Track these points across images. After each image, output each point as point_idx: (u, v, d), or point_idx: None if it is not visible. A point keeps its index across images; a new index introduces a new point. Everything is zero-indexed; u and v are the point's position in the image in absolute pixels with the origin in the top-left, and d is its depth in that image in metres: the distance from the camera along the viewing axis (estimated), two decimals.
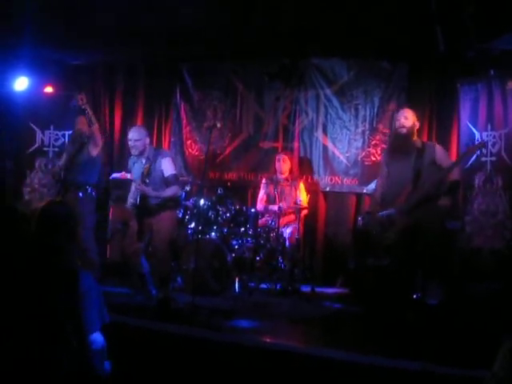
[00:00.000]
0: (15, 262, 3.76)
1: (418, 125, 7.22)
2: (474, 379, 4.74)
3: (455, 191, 7.21)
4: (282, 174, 9.32)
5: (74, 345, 3.70)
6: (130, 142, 7.87)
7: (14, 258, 3.79)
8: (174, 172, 7.89)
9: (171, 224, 7.91)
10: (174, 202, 7.93)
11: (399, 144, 7.22)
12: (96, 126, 8.62)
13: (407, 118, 7.09)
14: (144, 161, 7.84)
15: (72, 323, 3.71)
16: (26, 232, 4.03)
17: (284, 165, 9.34)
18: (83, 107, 8.47)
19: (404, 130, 7.07)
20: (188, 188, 9.42)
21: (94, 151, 8.56)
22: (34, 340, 3.57)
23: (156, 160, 7.75)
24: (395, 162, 7.17)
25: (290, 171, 9.41)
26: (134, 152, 7.85)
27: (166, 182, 7.77)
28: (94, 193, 8.61)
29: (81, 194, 8.41)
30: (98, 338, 3.85)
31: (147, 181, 7.58)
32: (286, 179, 9.26)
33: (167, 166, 7.81)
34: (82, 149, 8.54)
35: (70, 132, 9.70)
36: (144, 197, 7.62)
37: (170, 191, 7.78)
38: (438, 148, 7.16)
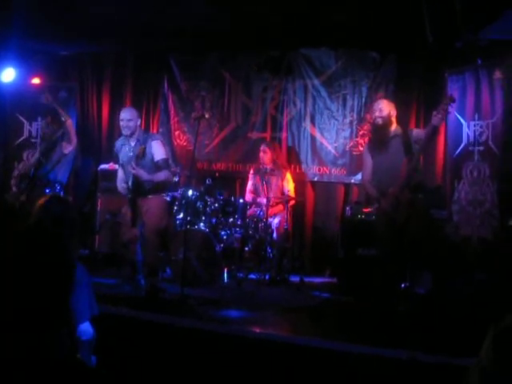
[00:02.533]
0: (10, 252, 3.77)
1: (394, 113, 7.25)
2: (460, 368, 4.77)
3: (419, 190, 7.23)
4: (264, 164, 9.30)
5: (64, 334, 3.73)
6: (121, 122, 7.78)
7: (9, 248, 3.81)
8: (164, 156, 7.79)
9: (160, 213, 7.82)
10: (162, 188, 7.85)
11: (379, 135, 7.28)
12: (69, 122, 8.60)
13: (382, 110, 7.17)
14: (133, 143, 7.77)
15: (65, 313, 3.73)
16: (16, 223, 4.04)
17: (265, 156, 9.31)
18: (51, 106, 8.45)
19: (380, 121, 7.14)
20: (176, 179, 9.41)
21: (67, 148, 8.54)
22: (27, 329, 3.59)
23: (146, 142, 7.65)
24: (379, 153, 7.20)
25: (273, 162, 9.35)
26: (125, 132, 7.77)
27: (157, 166, 7.69)
28: (62, 192, 8.57)
29: (47, 191, 8.37)
30: (87, 328, 3.86)
31: (141, 163, 7.49)
32: (272, 170, 9.24)
33: (157, 150, 7.72)
34: (54, 146, 8.51)
35: None
36: (138, 181, 7.56)
37: (161, 176, 7.70)
38: (415, 131, 7.22)
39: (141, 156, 7.40)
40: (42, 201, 4.04)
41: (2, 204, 9.07)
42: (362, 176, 7.68)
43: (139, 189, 7.59)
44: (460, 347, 5.01)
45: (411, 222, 6.87)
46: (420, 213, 7.05)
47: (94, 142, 11.14)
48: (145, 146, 7.50)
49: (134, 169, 7.40)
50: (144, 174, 7.52)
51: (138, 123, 7.92)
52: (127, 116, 7.79)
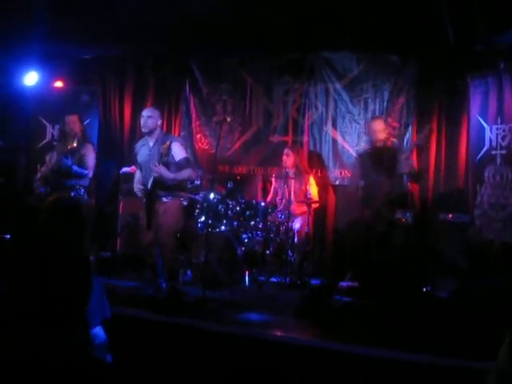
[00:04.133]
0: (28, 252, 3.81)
1: (391, 132, 7.37)
2: (482, 372, 4.75)
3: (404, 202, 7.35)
4: (286, 168, 9.30)
5: (80, 332, 3.76)
6: (142, 120, 7.78)
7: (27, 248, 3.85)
8: (185, 155, 7.77)
9: (176, 216, 7.76)
10: (180, 191, 7.82)
11: (377, 154, 7.35)
12: (89, 146, 8.70)
13: (381, 131, 7.24)
14: (152, 143, 7.76)
15: (83, 310, 3.76)
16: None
17: (288, 159, 9.32)
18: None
19: (381, 143, 7.23)
20: (198, 182, 9.43)
21: (85, 164, 8.59)
22: (47, 326, 3.62)
23: (165, 143, 7.54)
24: (373, 169, 7.32)
25: (296, 166, 9.35)
26: (144, 129, 7.75)
27: (178, 166, 7.64)
28: (86, 195, 8.59)
29: (73, 194, 8.44)
30: (99, 332, 3.90)
31: (164, 161, 7.46)
32: (295, 174, 9.23)
33: (177, 150, 7.67)
34: (72, 155, 8.55)
35: None
36: (159, 180, 7.52)
37: (184, 173, 7.68)
38: (404, 155, 7.28)
39: (165, 153, 7.37)
40: (50, 199, 4.09)
41: (25, 206, 9.13)
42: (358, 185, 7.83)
43: (160, 187, 7.58)
44: (482, 351, 4.98)
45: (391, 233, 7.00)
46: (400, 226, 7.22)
47: (115, 145, 11.20)
48: (170, 142, 7.48)
49: (155, 166, 7.39)
50: (166, 172, 7.48)
51: (159, 123, 7.88)
52: (147, 113, 7.80)
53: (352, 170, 9.83)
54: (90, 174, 8.70)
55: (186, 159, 7.78)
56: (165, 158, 7.42)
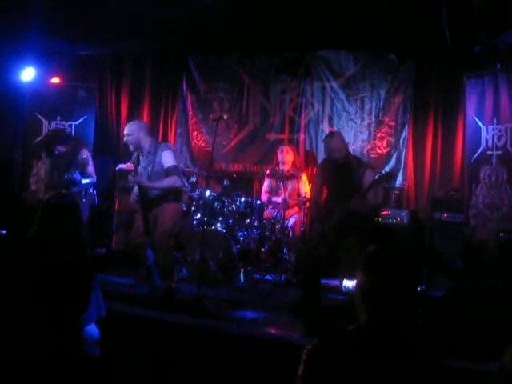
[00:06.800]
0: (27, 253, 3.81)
1: (346, 146, 7.52)
2: (480, 373, 4.75)
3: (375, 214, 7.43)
4: (284, 164, 9.34)
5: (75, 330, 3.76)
6: (124, 139, 7.77)
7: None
8: (173, 163, 7.60)
9: (174, 217, 7.71)
10: (176, 195, 7.74)
11: (334, 165, 7.34)
12: (84, 152, 8.78)
13: (338, 145, 7.24)
14: (145, 155, 7.68)
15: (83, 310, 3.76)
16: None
17: (287, 155, 9.38)
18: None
19: (336, 156, 7.23)
20: (194, 179, 9.43)
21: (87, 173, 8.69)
22: (44, 325, 3.62)
23: (156, 153, 7.57)
24: (331, 178, 7.37)
25: (293, 163, 9.41)
26: (131, 148, 7.73)
27: (167, 173, 7.54)
28: (94, 191, 8.75)
29: (82, 193, 8.54)
30: (93, 330, 3.90)
31: (151, 172, 7.48)
32: (289, 171, 9.25)
33: (167, 158, 7.56)
34: (70, 166, 8.64)
35: (77, 122, 9.92)
36: (142, 189, 7.54)
37: (166, 181, 7.51)
38: (368, 172, 7.24)
39: (150, 162, 7.45)
40: (46, 198, 4.12)
41: (20, 202, 9.14)
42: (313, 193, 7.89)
43: (146, 197, 7.59)
44: (478, 351, 4.99)
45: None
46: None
47: (112, 142, 11.21)
48: (156, 151, 7.53)
49: (132, 177, 7.39)
50: (144, 182, 7.48)
51: (141, 136, 7.67)
52: (126, 131, 7.70)
53: None
54: (95, 179, 8.79)
55: (175, 166, 7.61)
56: (149, 168, 7.44)
